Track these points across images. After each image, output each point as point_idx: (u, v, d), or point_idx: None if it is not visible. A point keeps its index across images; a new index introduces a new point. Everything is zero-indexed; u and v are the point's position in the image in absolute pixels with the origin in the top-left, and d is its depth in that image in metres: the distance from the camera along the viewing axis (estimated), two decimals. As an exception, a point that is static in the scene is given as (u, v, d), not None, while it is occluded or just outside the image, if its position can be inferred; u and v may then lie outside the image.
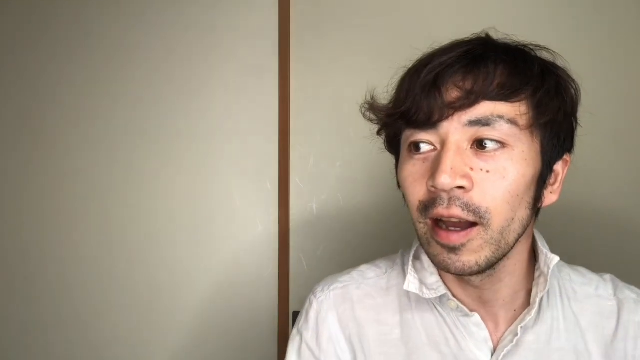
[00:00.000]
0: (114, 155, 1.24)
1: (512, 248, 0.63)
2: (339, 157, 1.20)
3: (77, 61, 1.25)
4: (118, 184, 1.24)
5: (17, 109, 1.26)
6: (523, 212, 0.62)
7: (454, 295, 0.69)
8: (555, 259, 0.66)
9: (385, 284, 0.75)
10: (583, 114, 0.69)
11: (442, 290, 0.68)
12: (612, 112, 1.11)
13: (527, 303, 0.69)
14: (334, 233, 1.20)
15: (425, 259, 0.71)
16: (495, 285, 0.67)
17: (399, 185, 0.68)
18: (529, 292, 0.69)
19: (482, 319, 0.69)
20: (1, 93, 1.27)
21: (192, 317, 1.23)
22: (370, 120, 0.69)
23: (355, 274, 0.77)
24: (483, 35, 0.67)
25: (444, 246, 0.62)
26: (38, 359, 1.25)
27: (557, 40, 0.70)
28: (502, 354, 0.66)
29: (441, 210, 0.60)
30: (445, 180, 0.58)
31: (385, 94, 0.69)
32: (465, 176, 0.59)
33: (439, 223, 0.62)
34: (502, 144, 0.60)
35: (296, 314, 1.03)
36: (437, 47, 0.66)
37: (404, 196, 0.67)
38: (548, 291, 0.69)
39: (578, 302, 0.70)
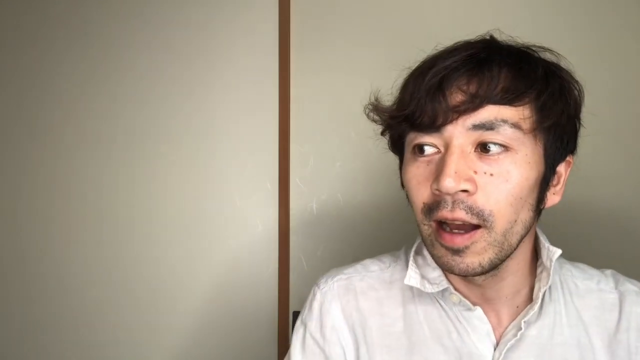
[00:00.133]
0: (113, 155, 1.24)
1: (515, 249, 0.64)
2: (339, 157, 1.20)
3: (76, 62, 1.25)
4: (117, 184, 1.24)
5: (16, 108, 1.26)
6: (526, 214, 0.63)
7: (456, 290, 0.70)
8: (558, 251, 0.67)
9: (389, 278, 0.76)
10: (585, 114, 0.69)
11: (445, 284, 0.69)
12: (614, 112, 1.11)
13: (529, 299, 0.69)
14: (334, 233, 1.20)
15: (427, 254, 0.71)
16: (498, 284, 0.68)
17: (402, 185, 0.68)
18: (531, 289, 0.69)
19: (485, 313, 0.69)
20: (1, 93, 1.26)
21: (192, 317, 1.23)
22: (374, 121, 0.69)
23: (358, 266, 0.78)
24: (487, 37, 0.67)
25: (448, 248, 0.62)
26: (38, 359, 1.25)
27: (559, 41, 0.70)
28: (506, 348, 0.67)
29: (445, 213, 0.61)
30: (449, 183, 0.59)
31: (389, 95, 0.69)
32: (469, 180, 0.60)
33: (442, 225, 0.62)
34: (505, 148, 0.61)
35: (296, 314, 1.03)
36: (440, 49, 0.66)
37: (407, 197, 0.67)
38: (550, 286, 0.69)
39: (580, 296, 0.71)
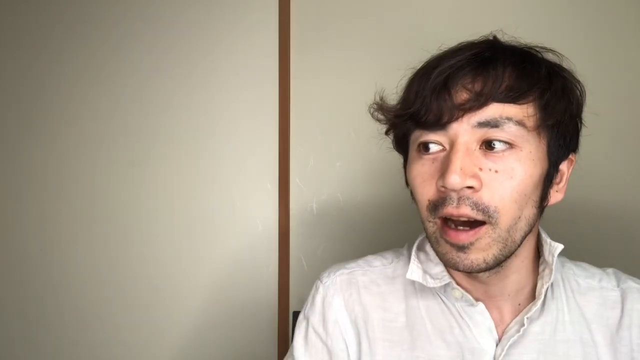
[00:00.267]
0: (113, 155, 1.24)
1: (518, 246, 0.64)
2: (339, 157, 1.20)
3: (75, 61, 1.24)
4: (117, 184, 1.24)
5: (16, 109, 1.26)
6: (530, 211, 0.64)
7: (458, 286, 0.70)
8: (559, 247, 0.67)
9: (391, 273, 0.76)
10: (587, 114, 0.70)
11: (447, 279, 0.70)
12: (615, 112, 1.12)
13: (532, 297, 0.70)
14: (334, 233, 1.20)
15: (430, 250, 0.72)
16: (502, 281, 0.68)
17: (407, 183, 0.69)
18: (533, 287, 0.70)
19: (487, 310, 0.70)
20: (1, 93, 1.26)
21: (192, 317, 1.23)
22: (379, 120, 0.70)
23: (361, 262, 0.79)
24: (490, 38, 0.68)
25: (452, 245, 0.63)
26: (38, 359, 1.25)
27: (561, 41, 0.71)
28: (508, 344, 0.67)
29: (451, 210, 0.61)
30: (455, 180, 0.60)
31: (391, 95, 0.70)
32: (475, 176, 0.61)
33: (447, 222, 0.63)
34: (510, 145, 0.62)
35: (296, 314, 1.03)
36: (444, 49, 0.67)
37: (412, 195, 0.68)
38: (552, 283, 0.70)
39: (582, 294, 0.72)
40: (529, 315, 0.67)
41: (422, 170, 0.65)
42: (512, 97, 0.61)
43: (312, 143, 1.21)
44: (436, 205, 0.63)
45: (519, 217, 0.62)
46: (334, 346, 0.74)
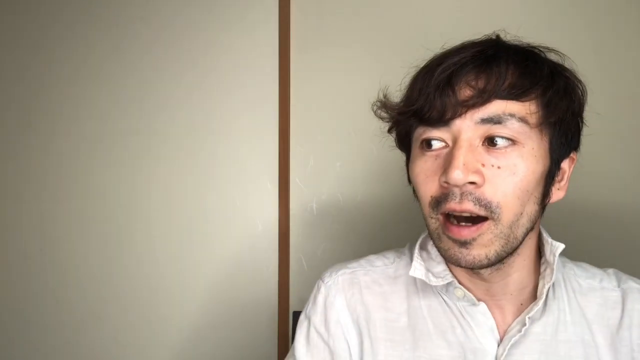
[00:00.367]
0: (113, 155, 1.24)
1: (520, 243, 0.65)
2: (339, 157, 1.21)
3: (75, 61, 1.24)
4: (117, 184, 1.23)
5: (17, 109, 1.26)
6: (531, 207, 0.64)
7: (460, 285, 0.70)
8: (561, 246, 0.68)
9: (393, 273, 0.76)
10: (590, 113, 0.70)
11: (449, 278, 0.70)
12: (616, 112, 1.13)
13: (533, 297, 0.70)
14: (334, 233, 1.20)
15: (432, 249, 0.72)
16: (504, 279, 0.69)
17: (409, 181, 0.70)
18: (535, 287, 0.70)
19: (489, 309, 0.70)
20: (1, 93, 1.26)
21: (192, 317, 1.23)
22: (381, 118, 0.70)
23: (363, 261, 0.79)
24: (493, 37, 0.69)
25: (455, 241, 0.63)
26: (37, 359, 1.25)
27: (563, 41, 0.72)
28: (510, 343, 0.68)
29: (453, 205, 0.62)
30: (458, 175, 0.60)
31: (397, 91, 0.70)
32: (477, 172, 0.61)
33: (450, 218, 0.63)
34: (512, 141, 0.62)
35: (296, 314, 1.03)
36: (447, 48, 0.67)
37: (414, 192, 0.68)
38: (554, 284, 0.70)
39: (583, 294, 0.72)
40: (530, 315, 0.67)
41: (425, 166, 0.65)
42: (514, 94, 0.62)
43: (312, 143, 1.21)
44: (439, 201, 0.63)
45: (521, 214, 0.63)
46: (336, 346, 0.74)
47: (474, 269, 0.65)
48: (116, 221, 1.23)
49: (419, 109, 0.64)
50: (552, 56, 0.68)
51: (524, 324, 0.67)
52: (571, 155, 0.69)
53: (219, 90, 1.22)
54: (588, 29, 1.15)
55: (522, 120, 0.62)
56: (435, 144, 0.64)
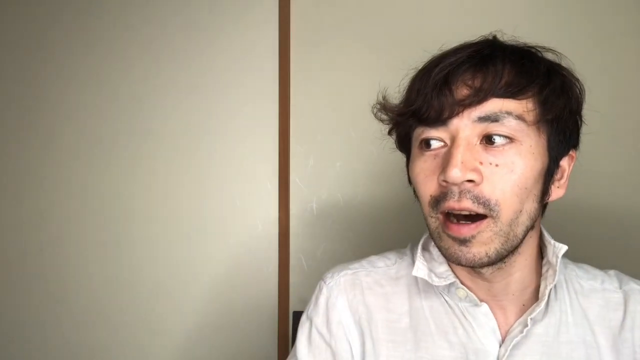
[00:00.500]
0: (113, 155, 1.24)
1: (520, 241, 0.65)
2: (339, 157, 1.21)
3: (75, 61, 1.25)
4: (117, 184, 1.24)
5: (16, 109, 1.26)
6: (531, 205, 0.64)
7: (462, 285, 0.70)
8: (564, 247, 0.68)
9: (395, 274, 0.76)
10: (590, 112, 0.70)
11: (452, 278, 0.70)
12: (615, 112, 1.12)
13: (535, 298, 0.70)
14: (334, 233, 1.20)
15: (433, 250, 0.72)
16: (506, 279, 0.68)
17: (409, 182, 0.70)
18: (537, 288, 0.70)
19: (491, 310, 0.70)
20: (1, 93, 1.26)
21: (192, 317, 1.23)
22: (381, 120, 0.70)
23: (364, 262, 0.79)
24: (490, 37, 0.69)
25: (455, 239, 0.64)
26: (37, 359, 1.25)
27: (561, 41, 0.72)
28: (511, 344, 0.67)
29: (452, 203, 0.62)
30: (456, 173, 0.60)
31: (395, 92, 0.70)
32: (475, 170, 0.61)
33: (449, 217, 0.64)
34: (510, 139, 0.62)
35: (296, 314, 1.03)
36: (445, 50, 0.67)
37: (415, 192, 0.69)
38: (555, 285, 0.70)
39: (585, 296, 0.72)
40: (532, 316, 0.67)
41: (424, 166, 0.65)
42: (511, 92, 0.62)
43: (312, 143, 1.21)
44: (438, 200, 0.64)
45: (520, 211, 0.63)
46: (338, 347, 0.74)
47: (474, 267, 0.65)
48: (116, 221, 1.24)
49: (417, 109, 0.64)
50: (549, 55, 0.68)
51: (526, 325, 0.67)
52: (570, 153, 0.69)
53: (220, 90, 1.23)
54: (588, 28, 1.15)
55: (519, 118, 0.62)
56: (434, 144, 0.65)
